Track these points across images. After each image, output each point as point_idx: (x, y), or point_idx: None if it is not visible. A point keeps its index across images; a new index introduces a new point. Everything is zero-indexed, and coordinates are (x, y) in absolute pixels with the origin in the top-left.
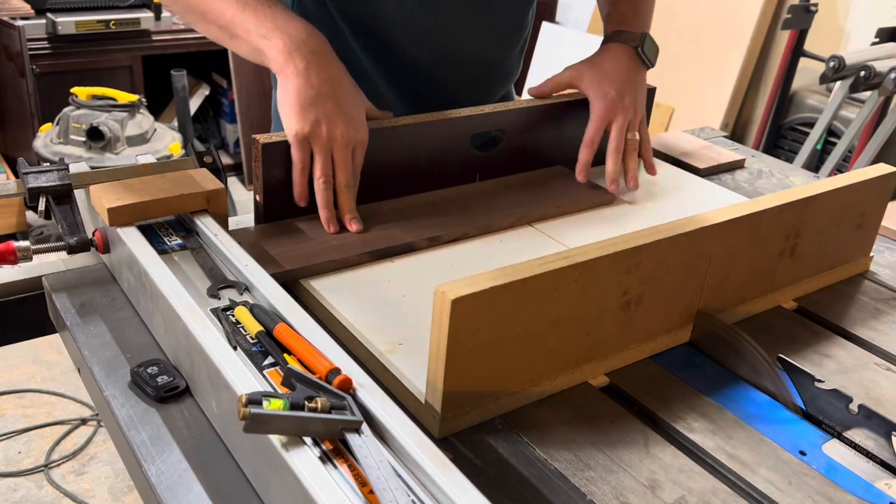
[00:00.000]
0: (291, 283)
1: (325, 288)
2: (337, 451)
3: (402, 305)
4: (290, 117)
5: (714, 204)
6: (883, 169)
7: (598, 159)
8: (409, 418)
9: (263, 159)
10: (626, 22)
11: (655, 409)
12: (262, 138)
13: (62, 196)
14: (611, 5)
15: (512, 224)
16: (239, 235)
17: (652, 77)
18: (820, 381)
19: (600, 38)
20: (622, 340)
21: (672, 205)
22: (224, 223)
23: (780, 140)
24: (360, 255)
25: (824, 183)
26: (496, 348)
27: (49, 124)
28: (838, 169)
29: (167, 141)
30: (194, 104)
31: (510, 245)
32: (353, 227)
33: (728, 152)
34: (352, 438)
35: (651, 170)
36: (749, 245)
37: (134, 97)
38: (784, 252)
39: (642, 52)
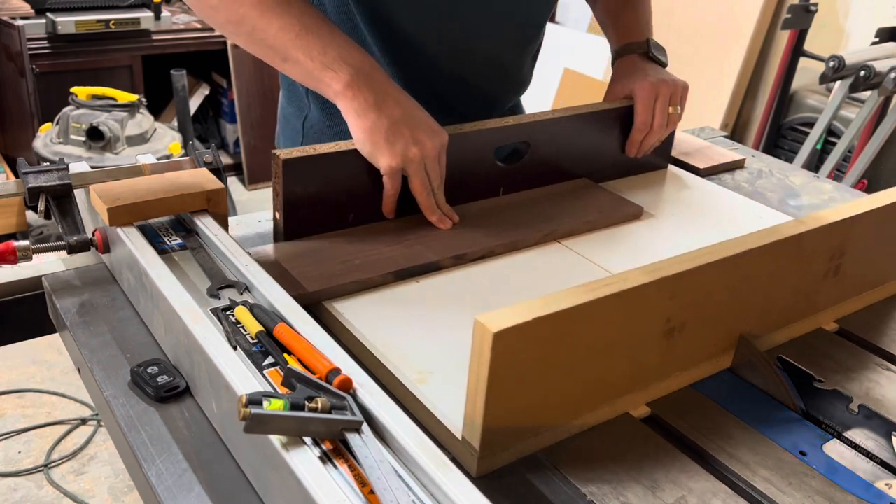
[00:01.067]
0: (314, 306)
1: (349, 311)
2: (337, 451)
3: (430, 330)
4: (379, 154)
5: (742, 216)
6: None
7: (613, 173)
8: (444, 454)
9: (284, 176)
10: (630, 34)
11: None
12: (283, 154)
13: (62, 196)
14: (611, 19)
15: (539, 241)
16: (258, 255)
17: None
18: (820, 380)
19: (600, 38)
20: (664, 369)
21: (700, 218)
22: (224, 223)
23: (780, 140)
24: (383, 276)
25: (870, 200)
26: (537, 381)
27: (49, 124)
28: (838, 169)
29: (167, 141)
30: (194, 104)
31: (538, 263)
32: (455, 218)
33: (728, 152)
34: (352, 438)
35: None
36: (793, 266)
37: (134, 97)
38: (828, 272)
39: (653, 55)
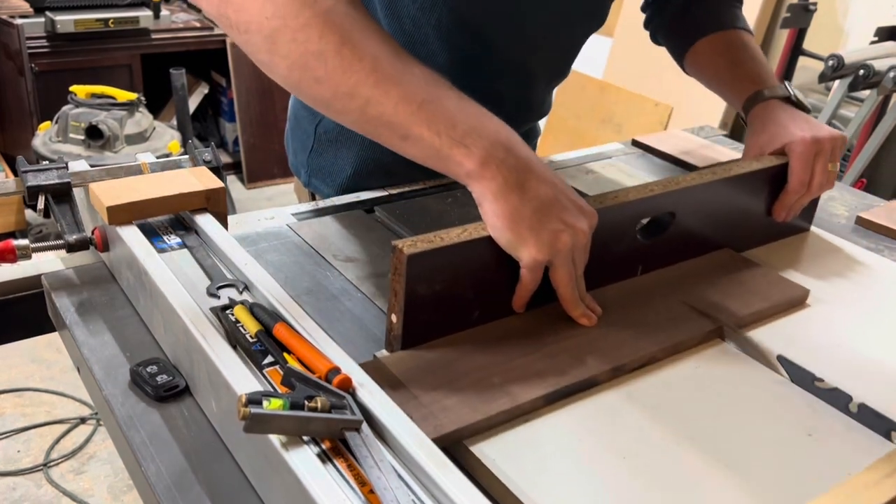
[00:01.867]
0: (454, 447)
1: (502, 456)
2: (337, 450)
3: (611, 481)
4: (522, 245)
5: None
6: None
7: (755, 240)
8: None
9: (408, 274)
10: (759, 80)
11: None
12: (406, 247)
13: (61, 194)
14: (728, 68)
15: (702, 339)
16: (374, 369)
17: (651, 75)
18: (820, 379)
19: (600, 38)
20: None
21: (875, 300)
22: (224, 222)
23: None
24: (533, 401)
25: None
26: None
27: (48, 123)
28: None
29: (166, 139)
30: (193, 103)
31: (711, 374)
32: (598, 310)
33: (727, 151)
34: (352, 438)
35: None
36: None
37: (133, 96)
38: None
39: (797, 100)
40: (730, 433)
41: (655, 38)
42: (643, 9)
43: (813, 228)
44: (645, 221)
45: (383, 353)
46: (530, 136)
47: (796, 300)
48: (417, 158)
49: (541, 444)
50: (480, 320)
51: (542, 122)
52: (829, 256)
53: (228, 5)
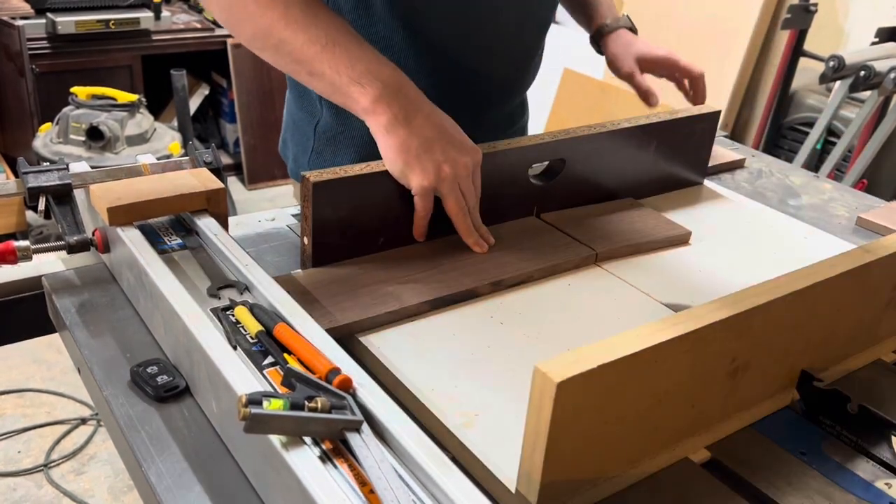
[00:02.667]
0: (346, 339)
1: (384, 345)
2: (337, 450)
3: (473, 365)
4: (410, 173)
5: (788, 238)
6: None
7: (649, 190)
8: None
9: (314, 199)
10: (606, 14)
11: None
12: (313, 176)
13: (62, 196)
14: (585, 10)
15: (578, 265)
16: (286, 282)
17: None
18: (819, 379)
19: None
20: (725, 410)
21: (750, 242)
22: (224, 223)
23: (780, 140)
24: (419, 305)
25: None
26: (597, 431)
27: (49, 124)
28: (838, 168)
29: (167, 140)
30: (194, 104)
31: (580, 290)
32: (491, 240)
33: (728, 152)
34: (352, 438)
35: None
36: (858, 298)
37: (133, 97)
38: (891, 302)
39: (633, 26)
40: (578, 329)
41: None
42: None
43: (715, 186)
44: (540, 168)
45: (298, 271)
46: (521, 113)
47: (679, 239)
48: (323, 93)
49: (422, 339)
50: (387, 247)
51: (542, 123)
52: (715, 205)
53: None
